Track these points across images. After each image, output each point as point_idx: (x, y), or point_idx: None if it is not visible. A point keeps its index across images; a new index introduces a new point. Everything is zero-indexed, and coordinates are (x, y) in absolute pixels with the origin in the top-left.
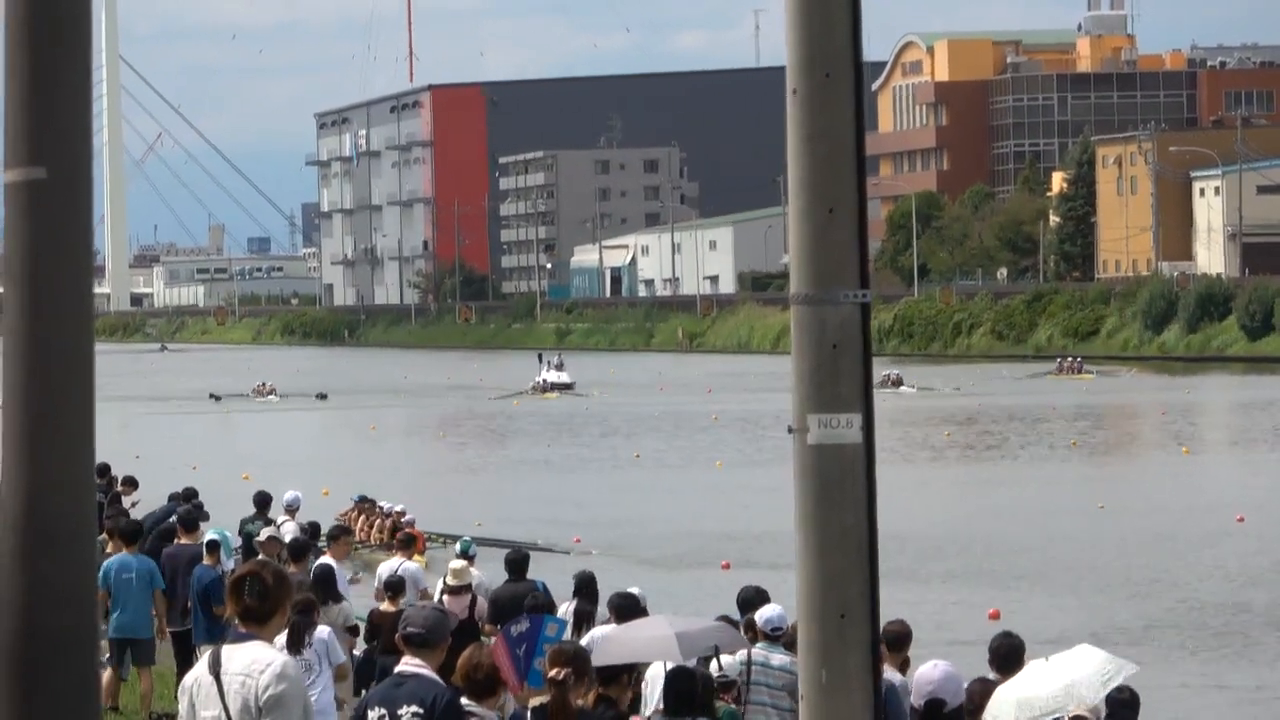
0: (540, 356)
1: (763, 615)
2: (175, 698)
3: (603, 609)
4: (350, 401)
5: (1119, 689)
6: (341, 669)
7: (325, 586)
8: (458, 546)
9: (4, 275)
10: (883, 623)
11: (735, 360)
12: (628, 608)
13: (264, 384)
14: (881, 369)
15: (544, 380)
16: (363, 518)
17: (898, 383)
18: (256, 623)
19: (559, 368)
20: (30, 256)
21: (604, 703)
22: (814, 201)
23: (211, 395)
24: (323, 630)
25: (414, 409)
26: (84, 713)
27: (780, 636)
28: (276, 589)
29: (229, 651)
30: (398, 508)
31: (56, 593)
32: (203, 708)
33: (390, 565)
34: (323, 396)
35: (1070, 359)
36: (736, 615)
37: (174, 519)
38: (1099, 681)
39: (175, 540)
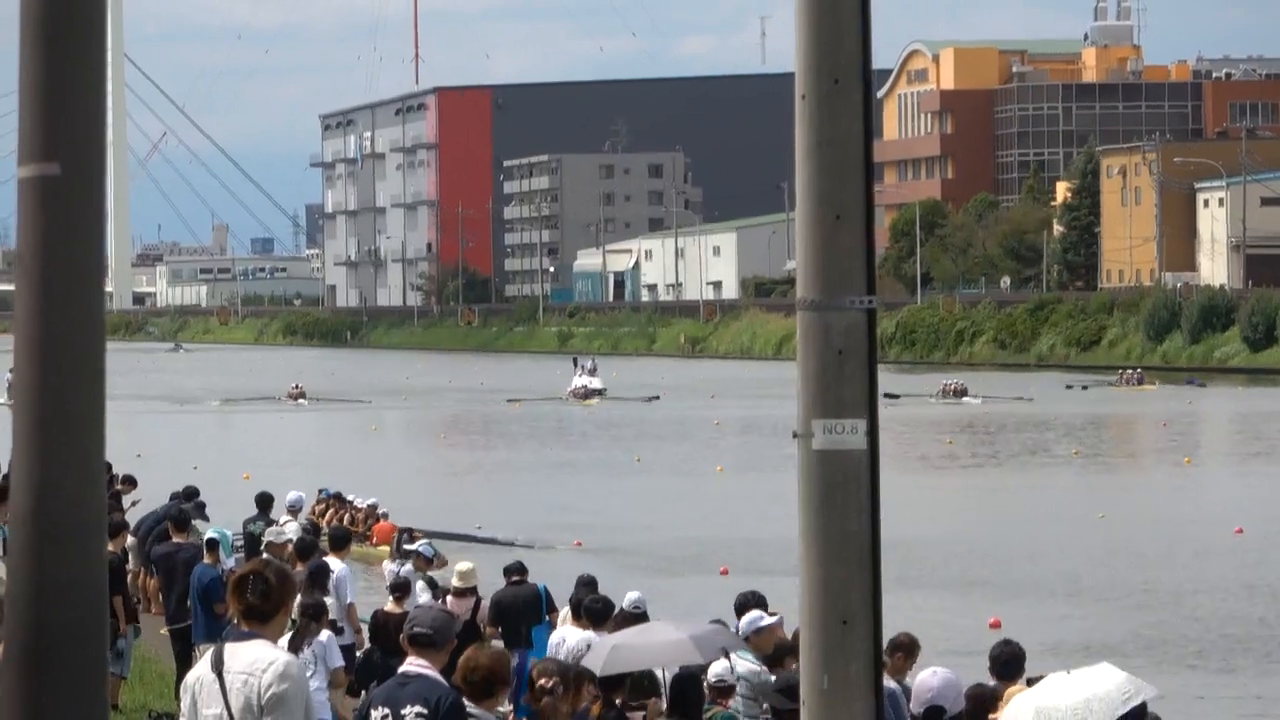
0: (575, 361)
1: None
2: (175, 696)
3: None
4: (381, 403)
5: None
6: (338, 675)
7: (315, 582)
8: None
9: (16, 270)
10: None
11: (738, 366)
12: (601, 613)
13: (296, 386)
14: (943, 378)
15: (584, 386)
16: (331, 512)
17: (961, 392)
18: (259, 621)
19: (592, 372)
20: (43, 252)
21: (609, 708)
22: (821, 207)
23: (224, 400)
24: (323, 634)
25: (424, 410)
26: (93, 708)
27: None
28: (280, 588)
29: (232, 649)
30: (370, 501)
31: (65, 587)
32: (205, 706)
33: (393, 566)
34: (365, 401)
35: (1131, 370)
36: (734, 619)
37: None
38: (1118, 700)
39: (167, 539)
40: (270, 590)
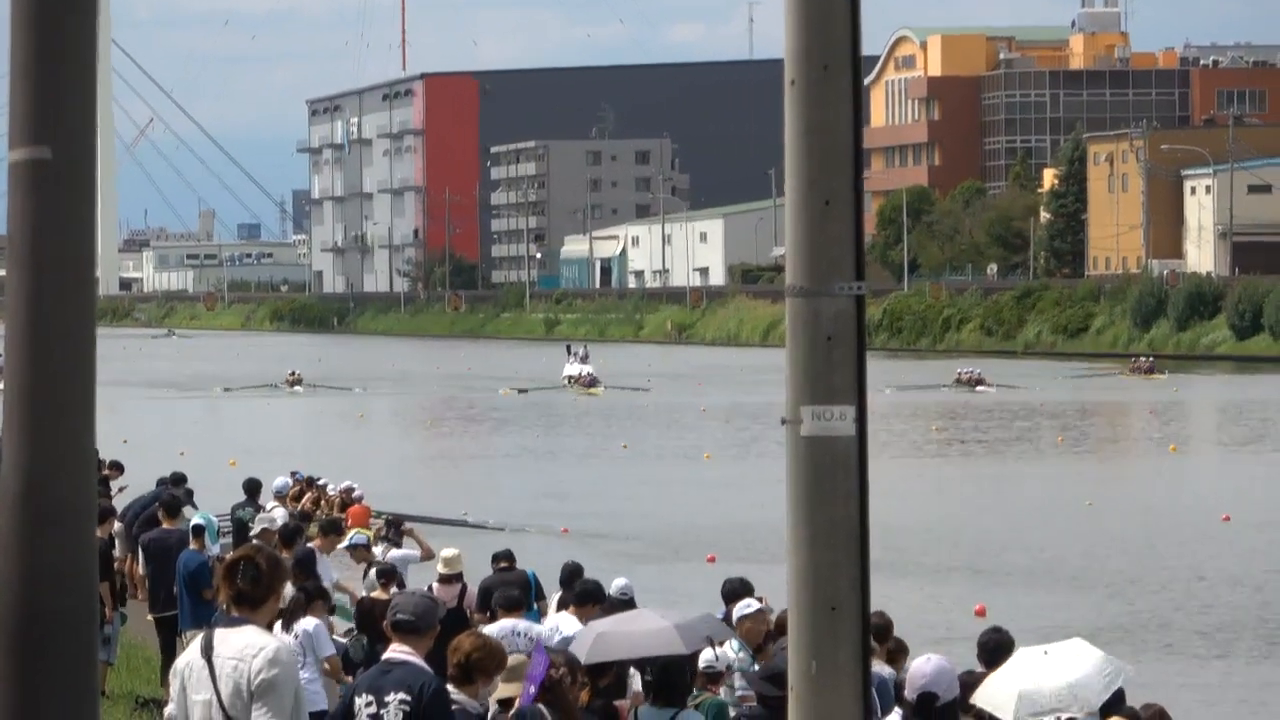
0: (568, 348)
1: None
2: (161, 683)
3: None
4: (375, 389)
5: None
6: (331, 662)
7: (303, 569)
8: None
9: (6, 255)
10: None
11: (724, 353)
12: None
13: (293, 373)
14: (958, 366)
15: (588, 374)
16: (307, 496)
17: (977, 381)
18: (250, 607)
19: (584, 359)
20: (33, 237)
21: (597, 695)
22: (810, 194)
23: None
24: (309, 622)
25: (413, 397)
26: (83, 693)
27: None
28: (270, 574)
29: (222, 635)
30: (345, 485)
31: (56, 573)
32: (194, 691)
33: (377, 551)
34: (354, 389)
35: (1142, 359)
36: (721, 606)
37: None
38: (1101, 684)
39: (157, 524)
40: (261, 576)
